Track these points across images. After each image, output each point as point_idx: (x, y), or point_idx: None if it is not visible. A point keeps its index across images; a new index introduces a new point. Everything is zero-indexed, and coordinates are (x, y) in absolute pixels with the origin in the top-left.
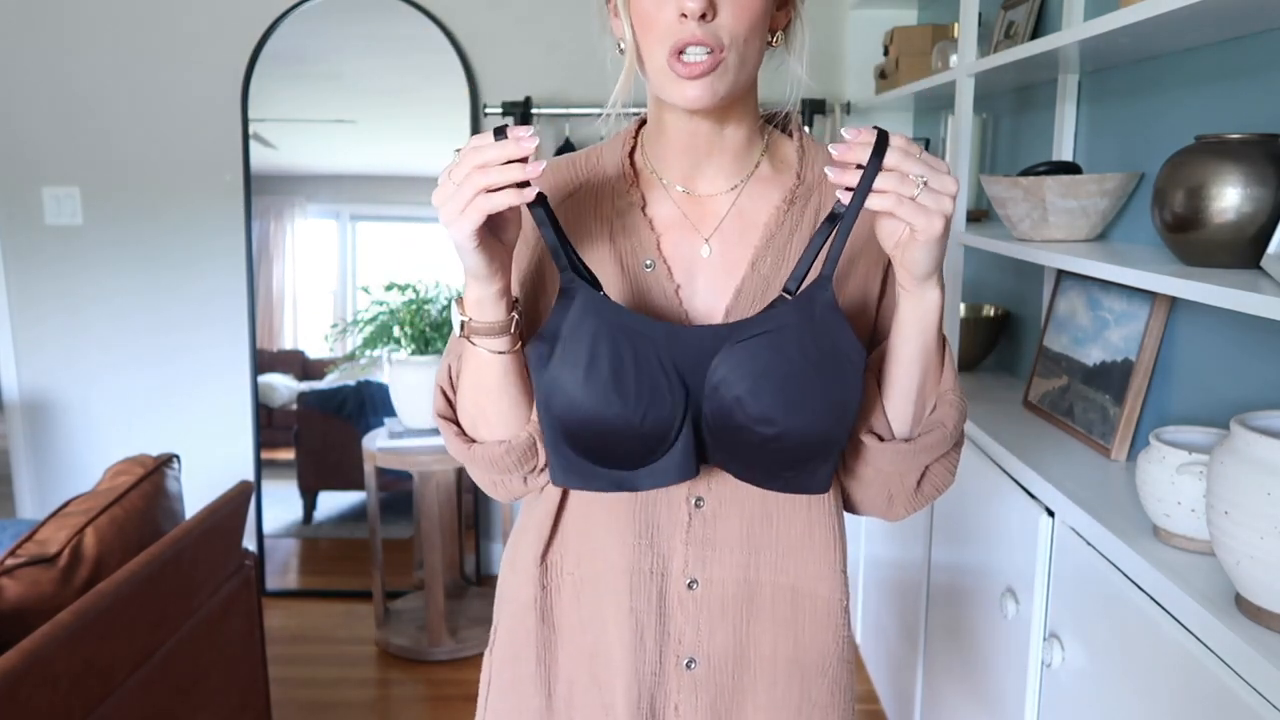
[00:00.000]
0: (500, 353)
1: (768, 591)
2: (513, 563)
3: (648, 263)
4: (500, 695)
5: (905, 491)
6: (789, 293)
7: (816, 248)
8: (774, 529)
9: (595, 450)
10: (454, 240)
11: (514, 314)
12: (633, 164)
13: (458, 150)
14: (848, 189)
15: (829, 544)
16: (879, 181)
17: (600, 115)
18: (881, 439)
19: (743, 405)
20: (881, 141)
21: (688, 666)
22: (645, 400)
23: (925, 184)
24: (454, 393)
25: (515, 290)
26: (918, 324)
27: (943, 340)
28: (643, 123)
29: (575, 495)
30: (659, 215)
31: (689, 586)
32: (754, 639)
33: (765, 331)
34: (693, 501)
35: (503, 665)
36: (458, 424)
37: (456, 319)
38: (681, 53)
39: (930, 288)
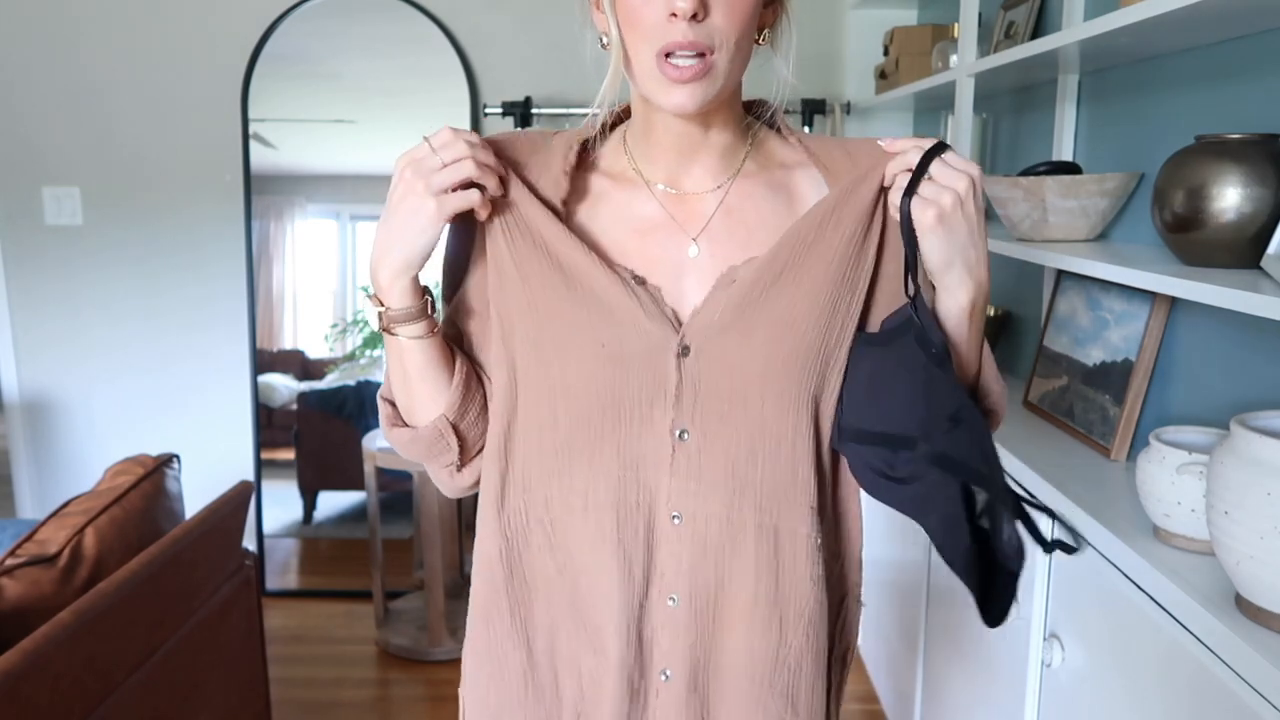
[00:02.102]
0: (419, 338)
1: (751, 531)
2: (480, 519)
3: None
4: (479, 661)
5: None
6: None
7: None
8: (759, 467)
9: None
10: (420, 214)
11: (428, 298)
12: (593, 163)
13: (425, 137)
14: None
15: (809, 482)
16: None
17: (588, 115)
18: None
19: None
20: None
21: (670, 602)
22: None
23: (930, 177)
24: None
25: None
26: (947, 314)
27: (980, 342)
28: (618, 120)
29: (533, 434)
30: (643, 216)
31: (673, 519)
32: (735, 579)
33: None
34: (677, 434)
35: (477, 630)
36: (393, 404)
37: (373, 313)
38: (670, 55)
39: (954, 286)
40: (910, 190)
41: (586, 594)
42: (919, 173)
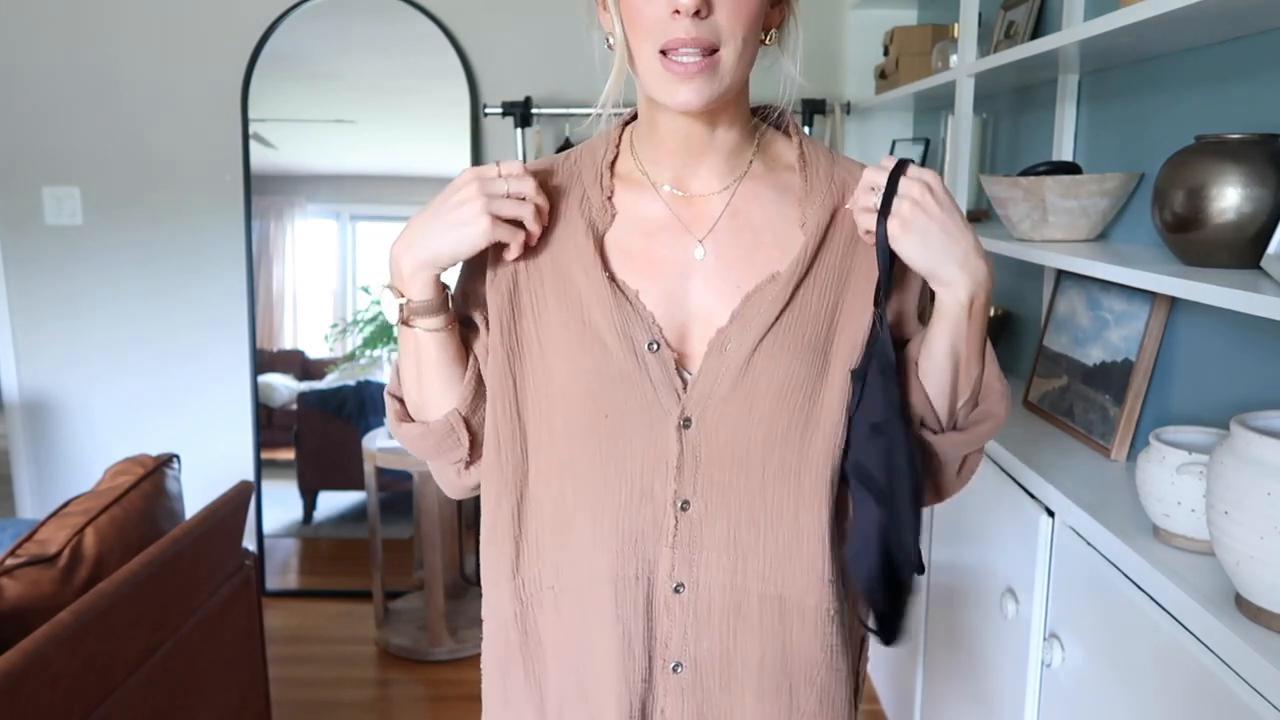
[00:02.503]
0: (437, 330)
1: (755, 600)
2: (489, 577)
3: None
4: (497, 707)
5: (949, 479)
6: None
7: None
8: (760, 535)
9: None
10: (471, 226)
11: (447, 291)
12: (613, 175)
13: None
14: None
15: (817, 553)
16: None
17: (591, 115)
18: (935, 431)
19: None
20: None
21: (674, 670)
22: None
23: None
24: (400, 385)
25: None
26: (944, 318)
27: (983, 343)
28: (626, 123)
29: (546, 505)
30: (649, 218)
31: (675, 590)
32: (741, 646)
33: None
34: (679, 505)
35: (493, 679)
36: (402, 401)
37: (393, 304)
38: (672, 52)
39: (950, 283)
40: (884, 211)
41: (590, 667)
42: (889, 194)
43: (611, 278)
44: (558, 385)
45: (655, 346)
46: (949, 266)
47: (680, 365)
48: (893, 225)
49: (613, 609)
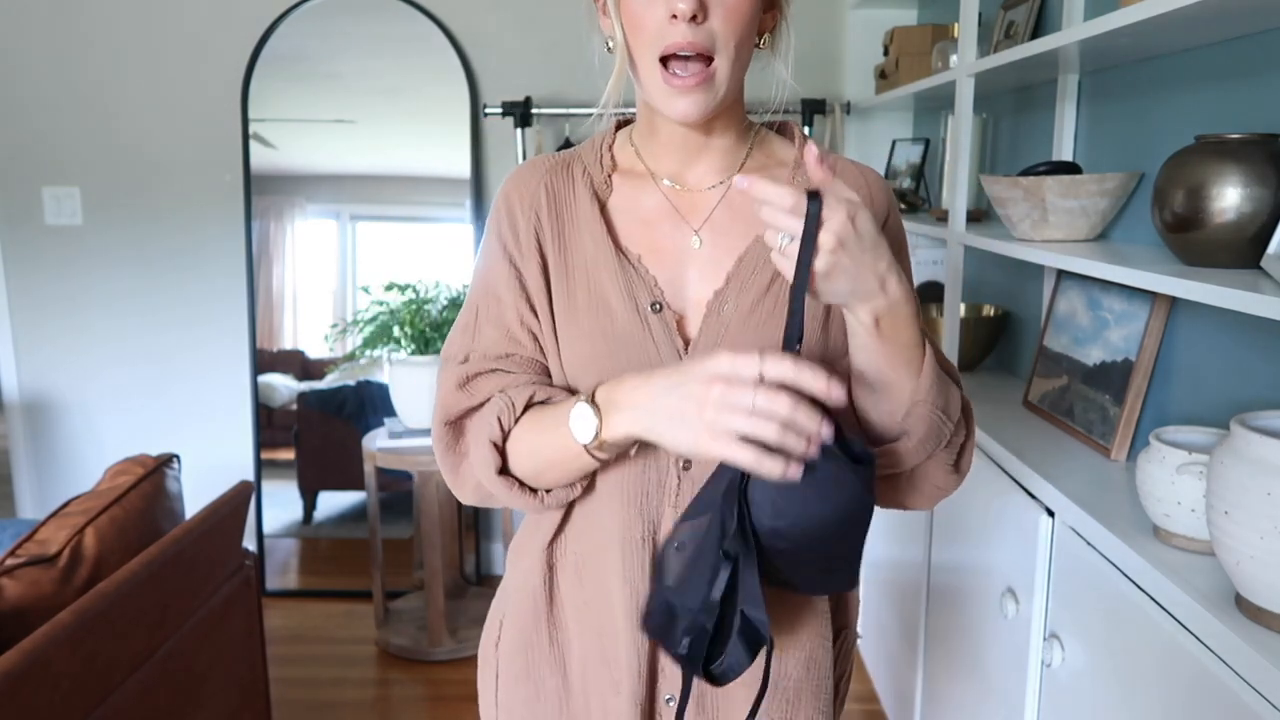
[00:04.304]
0: (605, 460)
1: None
2: (520, 549)
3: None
4: (513, 683)
5: (901, 489)
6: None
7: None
8: None
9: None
10: (693, 437)
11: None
12: (613, 159)
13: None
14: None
15: None
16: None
17: (592, 115)
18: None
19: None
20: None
21: None
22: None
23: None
24: (504, 450)
25: (526, 310)
26: (854, 337)
27: (910, 353)
28: (622, 124)
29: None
30: (649, 207)
31: (677, 549)
32: None
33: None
34: (681, 464)
35: (513, 654)
36: (503, 454)
37: (589, 426)
38: (672, 62)
39: (855, 311)
40: (804, 256)
41: (609, 627)
42: (807, 234)
43: (616, 244)
44: (571, 350)
45: (658, 307)
46: (862, 298)
47: (681, 331)
48: (818, 268)
49: (621, 571)
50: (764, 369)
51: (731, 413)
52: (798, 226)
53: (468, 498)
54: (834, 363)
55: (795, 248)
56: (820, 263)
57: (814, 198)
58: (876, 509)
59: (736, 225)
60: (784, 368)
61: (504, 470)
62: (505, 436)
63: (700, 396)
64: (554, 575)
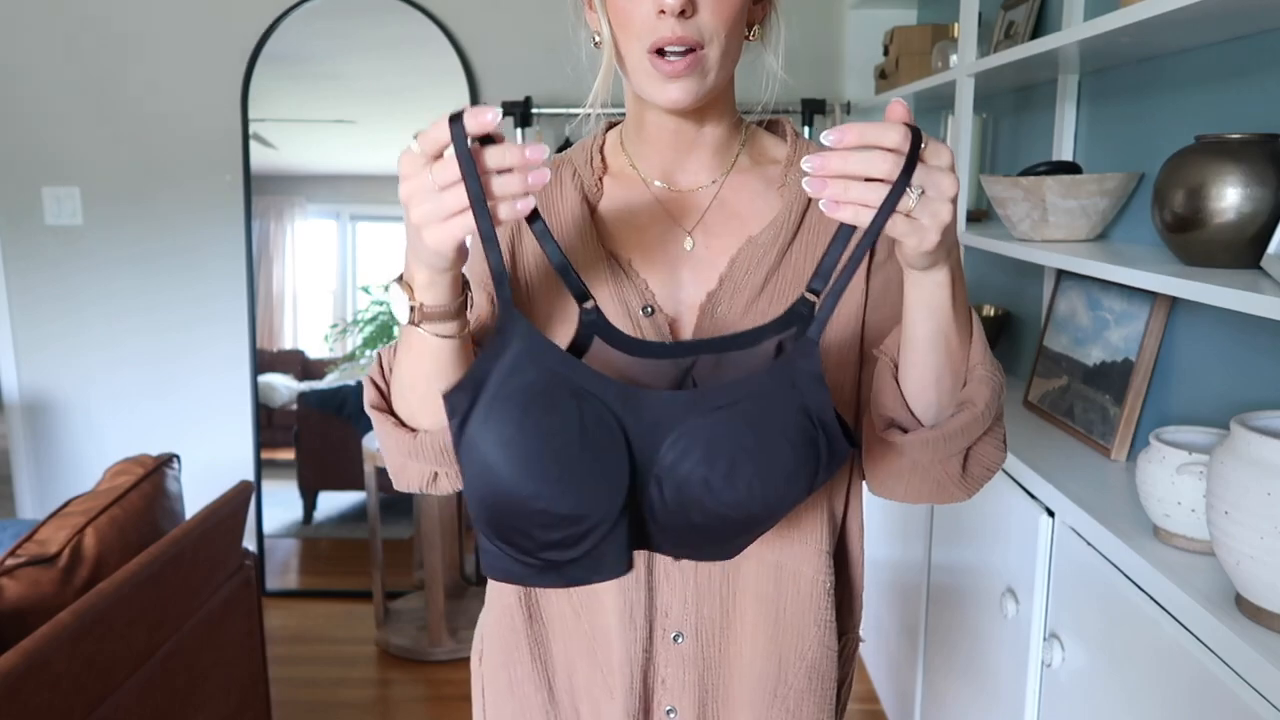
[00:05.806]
0: (449, 337)
1: (752, 565)
2: None
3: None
4: (499, 699)
5: (951, 478)
6: (814, 292)
7: (836, 255)
8: None
9: (511, 536)
10: (428, 243)
11: (466, 293)
12: (604, 161)
13: (417, 136)
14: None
15: (815, 524)
16: (859, 193)
17: (580, 115)
18: (906, 430)
19: (711, 490)
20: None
21: (675, 640)
22: (579, 481)
23: (922, 192)
24: (387, 384)
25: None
26: (926, 306)
27: (967, 314)
28: (610, 125)
29: None
30: (639, 210)
31: (675, 557)
32: (739, 612)
33: (736, 402)
34: None
35: (495, 671)
36: (394, 415)
37: (402, 304)
38: (661, 51)
39: (936, 270)
40: (891, 204)
41: (601, 632)
42: (902, 182)
43: (606, 248)
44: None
45: (649, 310)
46: (950, 248)
47: (674, 334)
48: (900, 226)
49: (616, 580)
50: (420, 144)
51: (422, 198)
52: (894, 169)
53: (397, 479)
54: (852, 350)
55: (870, 194)
56: (944, 211)
57: (916, 140)
58: (888, 504)
59: (729, 226)
60: (434, 130)
61: (383, 408)
62: (384, 372)
63: (404, 203)
64: (531, 590)
